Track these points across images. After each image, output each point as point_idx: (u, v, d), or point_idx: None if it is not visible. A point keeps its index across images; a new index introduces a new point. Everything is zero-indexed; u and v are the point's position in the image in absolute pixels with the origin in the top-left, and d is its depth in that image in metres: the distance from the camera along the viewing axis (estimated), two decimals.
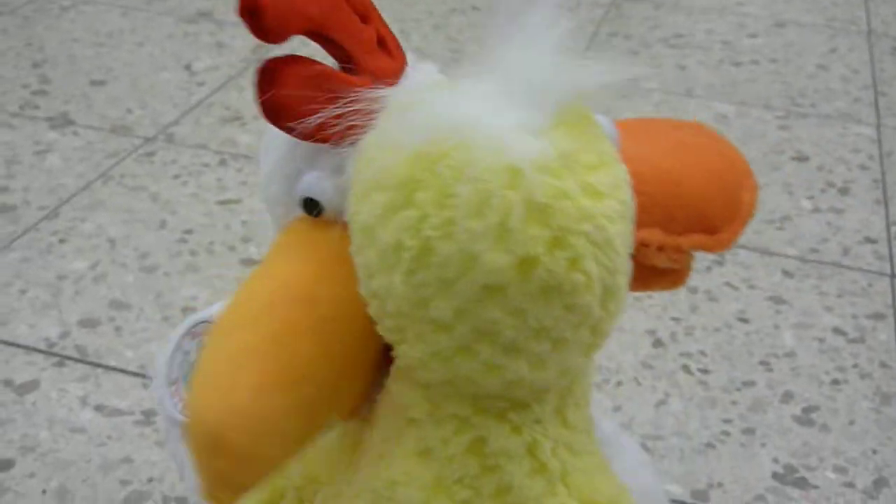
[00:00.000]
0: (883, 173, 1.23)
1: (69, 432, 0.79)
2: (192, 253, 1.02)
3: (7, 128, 1.23)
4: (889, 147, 1.29)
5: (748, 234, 1.09)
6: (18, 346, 0.88)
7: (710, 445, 0.81)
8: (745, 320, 0.96)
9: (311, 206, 0.45)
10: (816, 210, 1.15)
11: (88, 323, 0.92)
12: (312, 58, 0.44)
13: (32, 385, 0.84)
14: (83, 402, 0.83)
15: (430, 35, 1.52)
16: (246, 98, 1.32)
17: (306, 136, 0.43)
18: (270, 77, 0.42)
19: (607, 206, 0.38)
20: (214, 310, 0.54)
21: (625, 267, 0.39)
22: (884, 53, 1.55)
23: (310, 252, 0.43)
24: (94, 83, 1.34)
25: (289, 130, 0.43)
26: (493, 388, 0.40)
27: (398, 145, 0.37)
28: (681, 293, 0.99)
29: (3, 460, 0.76)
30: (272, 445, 0.39)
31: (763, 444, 0.82)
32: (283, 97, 0.42)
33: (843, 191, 1.19)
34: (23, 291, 0.95)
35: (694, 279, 1.01)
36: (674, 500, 0.76)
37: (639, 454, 0.60)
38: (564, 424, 0.43)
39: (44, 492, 0.74)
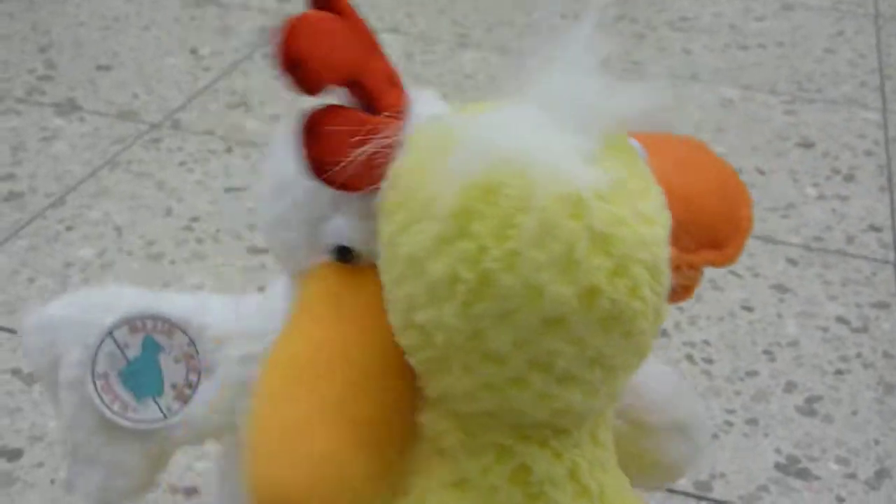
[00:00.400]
0: (889, 159, 1.23)
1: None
2: (199, 241, 1.02)
3: (13, 114, 1.23)
4: (895, 132, 1.28)
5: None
6: None
7: (713, 436, 0.82)
8: (748, 309, 0.96)
9: (345, 254, 0.44)
10: (821, 197, 1.15)
11: None
12: (346, 105, 0.43)
13: None
14: None
15: (435, 19, 1.52)
16: (252, 83, 1.32)
17: (351, 188, 0.42)
18: (316, 131, 0.41)
19: (658, 232, 0.38)
20: (157, 305, 0.51)
21: (668, 290, 0.39)
22: (891, 37, 1.55)
23: (353, 303, 0.42)
24: (100, 68, 1.34)
25: (335, 184, 0.42)
26: (542, 417, 0.39)
27: (450, 175, 0.36)
28: None
29: (12, 450, 0.77)
30: None
31: (766, 435, 0.82)
32: (330, 152, 0.41)
33: (849, 177, 1.19)
34: (31, 280, 0.96)
35: None
36: (677, 492, 0.77)
37: (674, 386, 0.58)
38: (596, 444, 0.43)
39: (52, 482, 0.75)
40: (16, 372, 0.85)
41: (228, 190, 1.10)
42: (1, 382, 0.83)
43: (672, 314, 0.95)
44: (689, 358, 0.90)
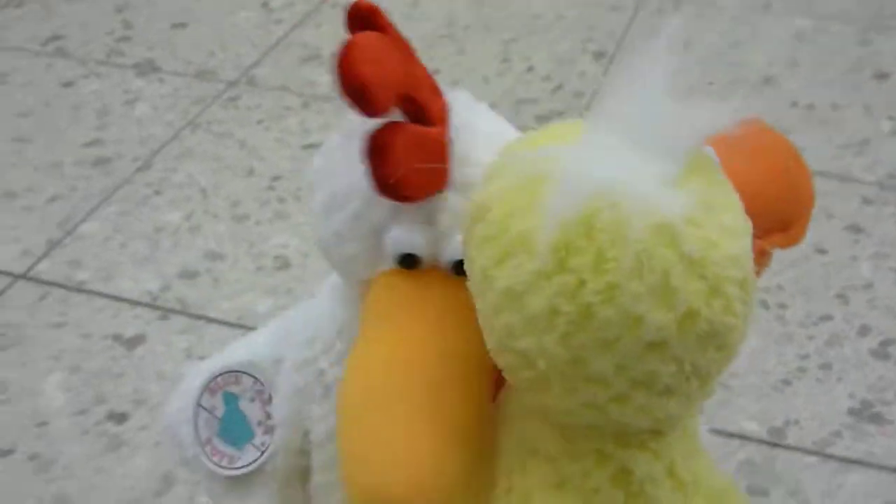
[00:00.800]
0: None
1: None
2: (280, 200, 1.06)
3: (95, 77, 1.27)
4: None
5: (826, 160, 1.09)
6: (124, 300, 0.94)
7: (786, 382, 0.84)
8: (822, 251, 0.97)
9: (410, 261, 0.45)
10: None
11: (187, 275, 0.97)
12: (401, 119, 0.44)
13: (140, 339, 0.89)
14: (188, 353, 0.88)
15: None
16: (323, 34, 1.34)
17: (413, 199, 0.44)
18: (383, 151, 0.42)
19: (744, 245, 0.40)
20: (227, 360, 0.55)
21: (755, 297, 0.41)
22: None
23: (425, 308, 0.44)
24: (175, 26, 1.37)
25: (401, 198, 0.43)
26: (642, 426, 0.41)
27: (548, 212, 0.37)
28: None
29: (119, 414, 0.82)
30: (450, 500, 0.41)
31: (839, 379, 0.84)
32: (399, 170, 0.42)
33: None
34: (123, 245, 1.01)
35: None
36: (751, 439, 0.79)
37: None
38: (686, 435, 0.45)
39: (157, 444, 0.80)
40: (117, 337, 0.90)
41: (306, 147, 1.13)
42: (103, 348, 0.88)
43: None
44: (763, 303, 0.91)
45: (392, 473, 0.39)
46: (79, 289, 0.95)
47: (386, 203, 0.44)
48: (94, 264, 0.98)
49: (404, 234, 0.45)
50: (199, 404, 0.54)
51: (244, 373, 0.54)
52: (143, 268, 0.98)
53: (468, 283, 0.42)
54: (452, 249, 0.44)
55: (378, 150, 0.42)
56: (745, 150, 0.50)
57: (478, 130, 0.46)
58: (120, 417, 0.82)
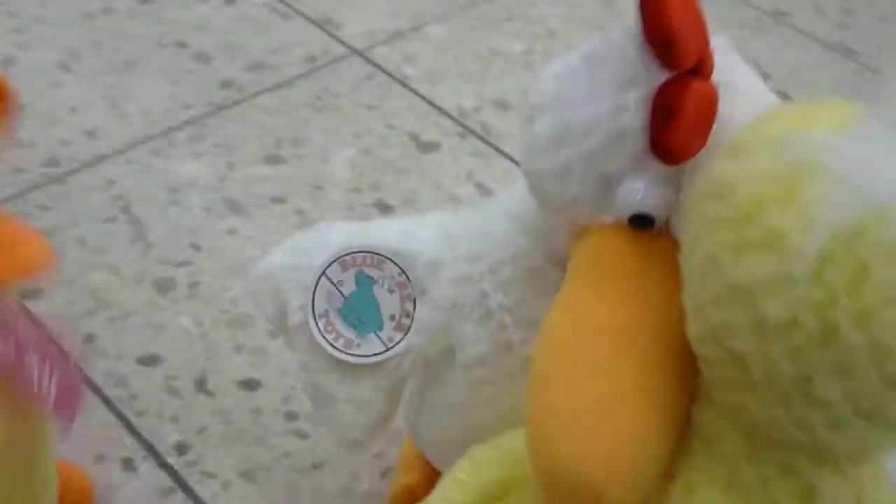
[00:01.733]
0: None
1: (447, 199, 0.87)
2: None
3: None
4: None
5: None
6: (435, 106, 0.97)
7: None
8: None
9: (644, 222, 0.40)
10: None
11: (501, 104, 0.98)
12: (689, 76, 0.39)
13: (434, 146, 0.92)
14: (470, 176, 0.90)
15: None
16: None
17: (680, 164, 0.39)
18: (674, 113, 0.38)
19: None
20: (362, 239, 0.51)
21: None
22: None
23: (649, 276, 0.40)
24: None
25: (674, 163, 0.39)
26: (847, 452, 0.38)
27: (816, 220, 0.33)
28: None
29: (386, 205, 0.86)
30: (642, 492, 0.37)
31: None
32: (686, 136, 0.38)
33: None
34: (458, 57, 1.03)
35: None
36: None
37: None
38: (876, 461, 0.41)
39: None
40: (414, 137, 0.93)
41: None
42: (399, 143, 0.92)
43: None
44: None
45: (588, 456, 0.35)
46: (402, 82, 0.99)
47: (629, 153, 0.40)
48: (424, 64, 1.01)
49: (642, 191, 0.40)
50: (324, 273, 0.50)
51: (391, 260, 0.50)
52: (465, 84, 1.00)
53: (680, 257, 0.38)
54: None
55: (668, 112, 0.38)
56: None
57: (737, 90, 0.41)
58: (386, 208, 0.86)
